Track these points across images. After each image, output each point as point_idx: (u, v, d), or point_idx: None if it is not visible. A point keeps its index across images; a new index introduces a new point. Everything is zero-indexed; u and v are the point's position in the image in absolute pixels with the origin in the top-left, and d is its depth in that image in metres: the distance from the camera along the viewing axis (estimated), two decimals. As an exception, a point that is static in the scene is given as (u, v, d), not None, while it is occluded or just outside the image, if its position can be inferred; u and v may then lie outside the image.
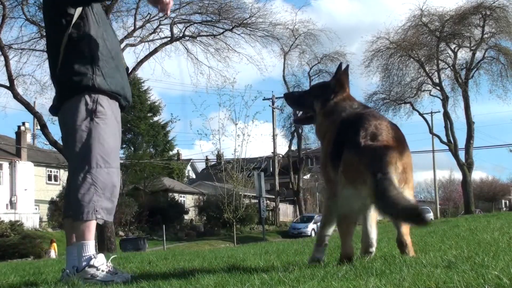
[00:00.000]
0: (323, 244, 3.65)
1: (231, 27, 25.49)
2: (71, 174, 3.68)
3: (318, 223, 40.84)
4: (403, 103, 37.41)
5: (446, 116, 35.49)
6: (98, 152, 3.59)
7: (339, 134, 3.50)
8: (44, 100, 25.40)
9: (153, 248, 24.60)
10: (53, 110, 3.83)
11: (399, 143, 3.31)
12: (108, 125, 3.67)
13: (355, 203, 3.26)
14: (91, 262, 3.51)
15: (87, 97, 3.63)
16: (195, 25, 25.56)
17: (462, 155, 35.12)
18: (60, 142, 18.04)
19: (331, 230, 3.64)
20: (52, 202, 37.76)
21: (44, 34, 4.31)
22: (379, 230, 4.83)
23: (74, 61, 3.63)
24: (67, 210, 3.76)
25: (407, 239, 3.48)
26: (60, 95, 3.74)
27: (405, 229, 3.46)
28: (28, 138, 43.50)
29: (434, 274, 2.62)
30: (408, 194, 3.23)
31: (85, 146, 3.59)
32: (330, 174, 3.50)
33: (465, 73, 35.82)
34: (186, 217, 43.30)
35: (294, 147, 47.12)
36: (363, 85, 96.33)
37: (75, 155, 3.65)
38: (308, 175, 54.75)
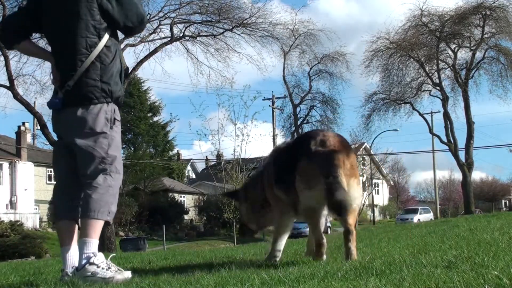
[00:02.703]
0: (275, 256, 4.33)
1: (231, 27, 25.48)
2: (89, 174, 3.69)
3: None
4: (403, 103, 37.40)
5: (446, 116, 35.48)
6: (117, 159, 3.78)
7: (276, 158, 4.25)
8: (44, 100, 25.32)
9: (153, 248, 24.60)
10: (57, 102, 3.79)
11: (345, 146, 3.91)
12: (119, 135, 3.88)
13: (315, 202, 3.76)
14: (91, 260, 3.53)
15: (106, 106, 3.76)
16: (195, 25, 25.56)
17: (462, 155, 35.16)
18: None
19: (283, 243, 4.42)
20: (52, 202, 37.73)
21: (43, 35, 4.22)
22: (379, 230, 4.90)
23: (106, 71, 3.75)
24: (63, 212, 3.78)
25: (353, 229, 3.84)
26: (81, 97, 3.73)
27: (352, 220, 3.83)
28: (28, 138, 43.51)
29: (434, 274, 2.62)
30: (356, 185, 3.85)
31: (107, 151, 3.73)
32: (277, 195, 4.15)
33: (465, 73, 35.81)
34: (186, 217, 43.31)
35: (294, 147, 47.05)
36: (363, 85, 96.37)
37: (95, 158, 3.70)
38: (308, 175, 54.66)
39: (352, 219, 3.81)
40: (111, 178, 3.70)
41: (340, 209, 3.64)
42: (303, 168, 3.81)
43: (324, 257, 3.93)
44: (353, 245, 3.79)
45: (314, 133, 4.00)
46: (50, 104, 3.86)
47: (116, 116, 3.83)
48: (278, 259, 4.31)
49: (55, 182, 4.10)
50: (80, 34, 3.74)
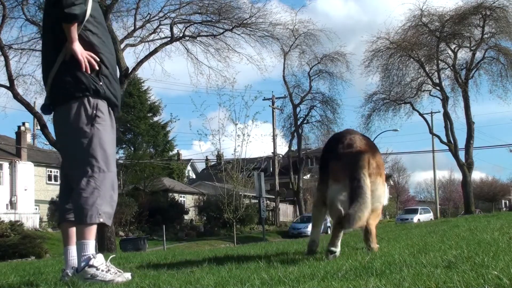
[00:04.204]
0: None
1: (231, 27, 25.45)
2: (74, 178, 3.68)
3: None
4: (403, 103, 37.40)
5: (446, 116, 35.46)
6: (101, 157, 3.64)
7: (324, 152, 4.53)
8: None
9: (153, 248, 24.58)
10: (46, 109, 3.84)
11: (371, 147, 4.25)
12: (106, 130, 3.72)
13: (341, 195, 4.01)
14: (91, 262, 3.52)
15: (86, 102, 3.67)
16: (195, 25, 25.53)
17: (462, 155, 35.13)
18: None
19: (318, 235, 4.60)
20: (52, 202, 37.74)
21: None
22: (379, 230, 4.94)
23: (78, 67, 3.65)
24: (64, 214, 3.78)
25: (372, 228, 4.18)
26: (57, 97, 3.74)
27: (373, 220, 4.15)
28: (28, 138, 43.49)
29: (434, 274, 2.62)
30: (381, 184, 4.15)
31: (87, 150, 3.62)
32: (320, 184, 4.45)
33: (465, 73, 35.78)
34: (186, 217, 43.28)
35: (294, 147, 47.11)
36: (363, 85, 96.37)
37: (77, 160, 3.67)
38: (308, 175, 54.73)
39: (372, 219, 4.14)
40: (95, 179, 3.59)
41: (348, 220, 3.84)
42: (332, 166, 4.18)
43: (339, 248, 4.09)
44: (373, 243, 4.17)
45: (343, 137, 4.31)
46: (40, 109, 3.94)
47: (99, 111, 3.68)
48: (314, 248, 4.48)
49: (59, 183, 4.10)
50: (49, 33, 3.74)
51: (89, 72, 3.67)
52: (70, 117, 3.67)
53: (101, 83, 3.71)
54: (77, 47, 3.63)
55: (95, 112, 3.66)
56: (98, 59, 3.71)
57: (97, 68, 3.69)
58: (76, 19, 3.60)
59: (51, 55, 3.74)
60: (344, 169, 4.04)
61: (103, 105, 3.72)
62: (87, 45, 3.71)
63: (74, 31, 3.62)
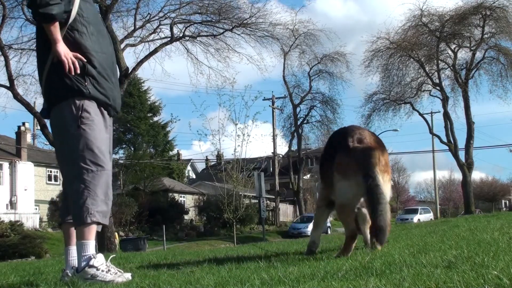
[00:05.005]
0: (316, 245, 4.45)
1: (231, 27, 25.46)
2: (65, 180, 3.74)
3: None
4: (403, 103, 37.39)
5: (446, 116, 35.46)
6: (88, 157, 3.60)
7: (328, 147, 4.40)
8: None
9: (153, 248, 24.58)
10: (45, 113, 3.85)
11: (379, 144, 4.16)
12: (95, 129, 3.67)
13: (349, 193, 3.93)
14: (91, 262, 3.52)
15: (72, 103, 3.64)
16: (195, 25, 25.54)
17: (462, 155, 35.14)
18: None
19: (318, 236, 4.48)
20: (52, 202, 37.75)
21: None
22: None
23: (62, 68, 3.62)
24: (64, 215, 3.80)
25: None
26: (49, 99, 3.75)
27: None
28: (28, 138, 43.50)
29: (434, 274, 2.62)
30: (388, 181, 4.06)
31: (74, 152, 3.60)
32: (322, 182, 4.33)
33: (465, 73, 35.78)
34: (186, 217, 43.28)
35: (294, 147, 47.11)
36: (363, 85, 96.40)
37: (66, 162, 3.69)
38: (308, 175, 54.71)
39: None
40: (84, 180, 3.56)
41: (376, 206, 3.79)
42: (340, 159, 4.01)
43: (350, 253, 4.04)
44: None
45: (351, 131, 4.17)
46: (40, 113, 3.99)
47: (85, 112, 3.63)
48: (314, 249, 4.39)
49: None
50: (42, 33, 3.73)
51: (72, 73, 3.61)
52: (58, 118, 3.69)
53: (86, 84, 3.65)
54: (60, 47, 3.59)
55: (80, 113, 3.63)
56: (84, 60, 3.66)
57: (78, 71, 3.62)
58: (54, 19, 3.55)
59: (43, 56, 3.73)
60: (355, 164, 3.88)
61: (90, 105, 3.67)
62: (74, 45, 3.66)
63: (55, 31, 3.57)
